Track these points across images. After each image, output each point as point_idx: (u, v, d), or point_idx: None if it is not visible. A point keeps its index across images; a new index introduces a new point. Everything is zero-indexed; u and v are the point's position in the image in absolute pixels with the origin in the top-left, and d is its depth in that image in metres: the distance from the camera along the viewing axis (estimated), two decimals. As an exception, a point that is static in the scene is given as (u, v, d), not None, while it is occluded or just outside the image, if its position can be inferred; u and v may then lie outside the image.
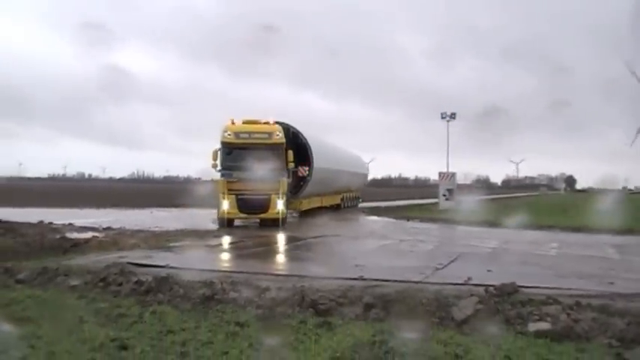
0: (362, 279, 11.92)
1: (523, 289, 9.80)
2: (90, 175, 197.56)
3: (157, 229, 22.37)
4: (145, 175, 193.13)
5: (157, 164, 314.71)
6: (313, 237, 21.71)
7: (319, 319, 8.35)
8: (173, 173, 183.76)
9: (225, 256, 17.24)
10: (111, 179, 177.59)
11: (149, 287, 10.31)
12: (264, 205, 26.35)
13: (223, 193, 25.97)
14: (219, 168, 26.30)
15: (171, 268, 12.40)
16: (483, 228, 25.96)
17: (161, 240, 18.73)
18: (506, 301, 8.92)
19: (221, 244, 19.01)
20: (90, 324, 8.14)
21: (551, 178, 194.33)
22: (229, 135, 26.56)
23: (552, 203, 65.24)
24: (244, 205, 26.09)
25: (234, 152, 26.36)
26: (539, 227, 24.08)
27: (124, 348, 6.94)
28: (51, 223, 22.52)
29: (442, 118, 54.15)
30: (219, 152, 26.37)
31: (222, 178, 26.21)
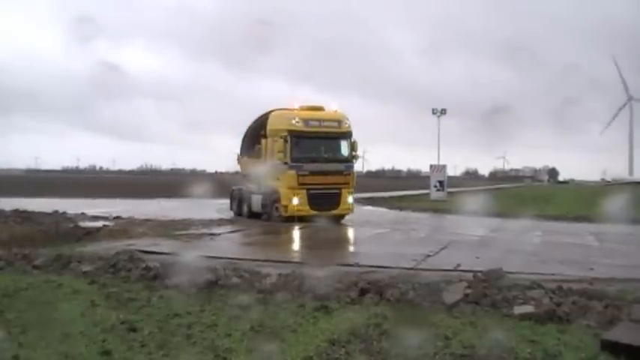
0: (357, 265, 11.95)
1: (509, 274, 9.85)
2: (101, 168, 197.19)
3: (164, 218, 22.33)
4: (153, 167, 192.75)
5: (163, 157, 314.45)
6: (311, 225, 21.70)
7: (317, 303, 8.36)
8: (179, 165, 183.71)
9: (228, 244, 17.21)
10: (120, 171, 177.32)
11: (157, 273, 10.33)
12: (336, 201, 23.34)
13: (292, 188, 22.65)
14: (287, 159, 22.66)
15: (178, 255, 12.39)
16: (472, 217, 25.98)
17: (168, 229, 18.73)
18: (493, 286, 8.92)
19: (224, 233, 18.98)
20: (101, 307, 8.17)
21: (535, 170, 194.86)
22: (298, 123, 22.97)
23: (536, 194, 65.39)
24: (316, 200, 22.76)
25: (303, 142, 23.05)
26: (524, 216, 24.07)
27: (134, 330, 6.96)
28: (65, 213, 22.47)
29: (433, 113, 53.88)
30: (285, 142, 22.70)
31: (293, 171, 22.68)
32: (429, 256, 13.95)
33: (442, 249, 15.46)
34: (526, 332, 7.06)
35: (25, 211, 21.70)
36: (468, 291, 8.72)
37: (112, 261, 11.14)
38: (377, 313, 7.86)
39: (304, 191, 22.67)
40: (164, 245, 14.68)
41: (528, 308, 7.92)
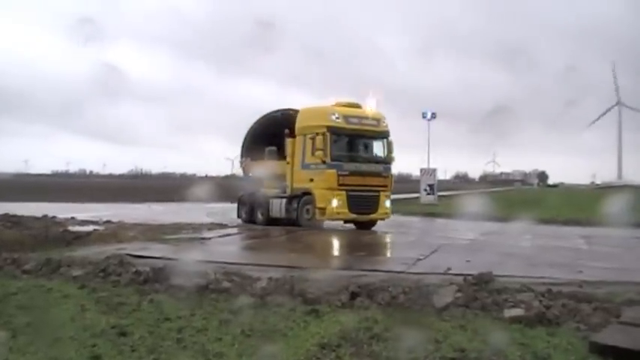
0: (348, 269, 11.94)
1: (499, 278, 9.85)
2: (91, 172, 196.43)
3: (154, 222, 22.25)
4: (143, 171, 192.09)
5: (154, 161, 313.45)
6: (300, 229, 21.69)
7: (307, 307, 8.36)
8: (170, 169, 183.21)
9: (219, 248, 17.14)
10: (111, 175, 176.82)
11: (147, 277, 10.31)
12: (375, 204, 22.20)
13: (331, 189, 21.33)
14: (326, 158, 21.35)
15: (168, 259, 12.37)
16: (462, 221, 26.02)
17: (158, 233, 18.66)
18: (483, 290, 8.96)
19: (215, 237, 18.90)
20: (91, 312, 8.14)
21: (525, 174, 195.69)
22: (338, 119, 21.65)
23: (526, 197, 65.63)
24: (355, 203, 21.56)
25: (343, 140, 21.93)
26: (514, 220, 24.11)
27: (124, 334, 6.94)
28: (54, 217, 22.38)
29: (423, 117, 53.72)
30: (324, 139, 21.39)
31: (333, 170, 21.34)
32: (419, 259, 13.95)
33: (432, 252, 15.46)
34: (516, 335, 7.08)
35: (14, 216, 21.54)
36: (459, 294, 8.75)
37: (102, 265, 11.09)
38: (367, 316, 7.85)
39: (344, 193, 21.40)
40: (154, 249, 14.62)
41: (518, 311, 7.95)
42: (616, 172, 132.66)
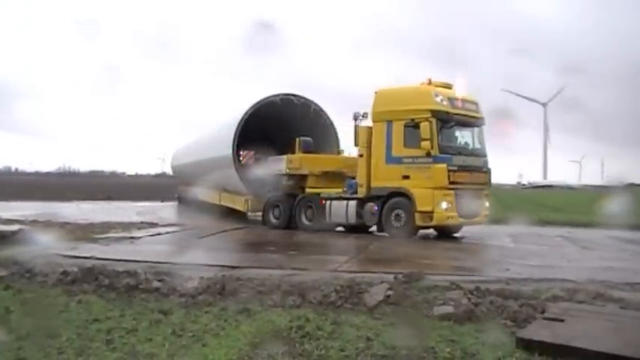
0: (280, 268, 11.94)
1: (429, 276, 10.04)
2: (16, 169, 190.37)
3: (82, 221, 21.78)
4: (71, 169, 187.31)
5: (83, 158, 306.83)
6: (239, 227, 21.54)
7: (239, 306, 8.32)
8: (99, 167, 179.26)
9: (149, 247, 16.87)
10: (37, 173, 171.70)
11: (75, 277, 10.09)
12: (479, 206, 18.51)
13: (441, 188, 17.39)
14: (433, 149, 17.42)
15: (97, 259, 12.14)
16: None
17: (87, 232, 18.27)
18: (413, 288, 9.12)
19: (145, 236, 18.60)
20: (17, 314, 7.92)
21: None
22: (444, 101, 17.79)
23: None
24: (462, 205, 17.58)
25: (448, 128, 18.07)
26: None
27: (51, 336, 6.78)
28: (-23, 216, 21.70)
29: (354, 119, 53.75)
30: (431, 126, 17.43)
31: (443, 165, 17.40)
32: (351, 258, 14.06)
33: (363, 251, 15.61)
34: (445, 332, 7.20)
35: None
36: (389, 292, 8.85)
37: (28, 265, 10.83)
38: (299, 315, 7.88)
39: (452, 193, 17.54)
40: (83, 249, 14.32)
41: (447, 309, 8.10)
42: (541, 172, 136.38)
